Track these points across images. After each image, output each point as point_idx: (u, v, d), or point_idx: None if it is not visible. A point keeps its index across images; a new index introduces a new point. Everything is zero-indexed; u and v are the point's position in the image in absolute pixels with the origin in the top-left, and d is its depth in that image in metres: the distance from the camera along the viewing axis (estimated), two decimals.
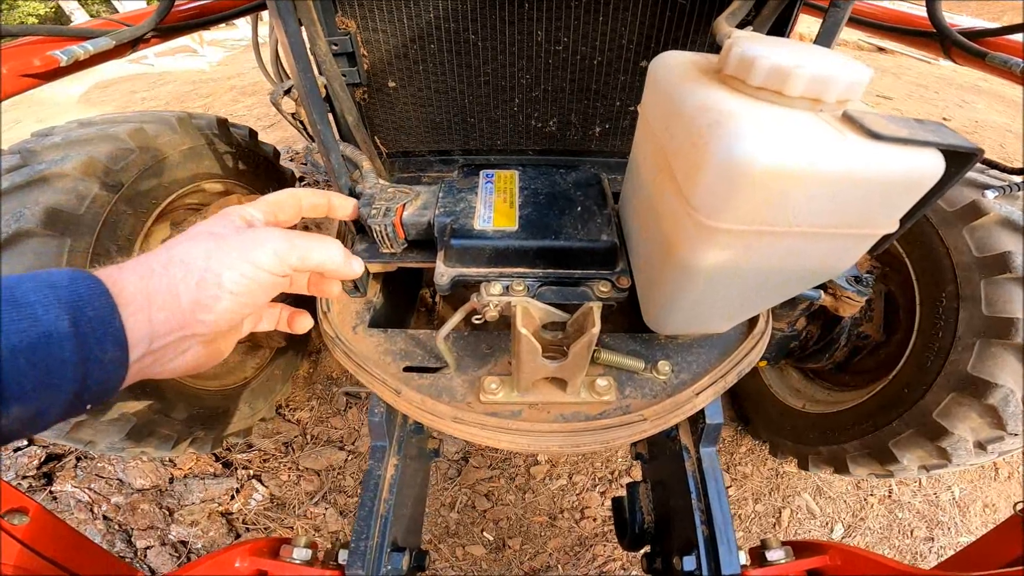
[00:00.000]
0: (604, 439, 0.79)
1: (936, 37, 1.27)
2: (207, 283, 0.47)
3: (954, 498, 1.85)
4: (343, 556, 0.88)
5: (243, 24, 7.05)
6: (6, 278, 0.38)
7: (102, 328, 0.41)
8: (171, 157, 1.43)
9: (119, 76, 5.35)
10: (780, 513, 1.79)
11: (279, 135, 3.90)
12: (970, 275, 1.21)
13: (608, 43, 1.11)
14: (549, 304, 0.72)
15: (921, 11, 1.34)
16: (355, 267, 0.61)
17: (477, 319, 0.73)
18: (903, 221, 0.60)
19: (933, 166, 0.52)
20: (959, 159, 0.54)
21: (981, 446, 1.22)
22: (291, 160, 3.27)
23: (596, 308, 0.65)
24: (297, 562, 0.87)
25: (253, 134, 1.78)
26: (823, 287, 1.30)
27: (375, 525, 0.89)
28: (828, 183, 0.52)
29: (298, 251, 0.53)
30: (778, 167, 0.50)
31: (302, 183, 2.30)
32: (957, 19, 1.48)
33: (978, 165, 1.36)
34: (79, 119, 1.46)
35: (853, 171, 0.51)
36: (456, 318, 0.72)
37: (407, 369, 0.86)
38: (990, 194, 1.22)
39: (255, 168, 1.72)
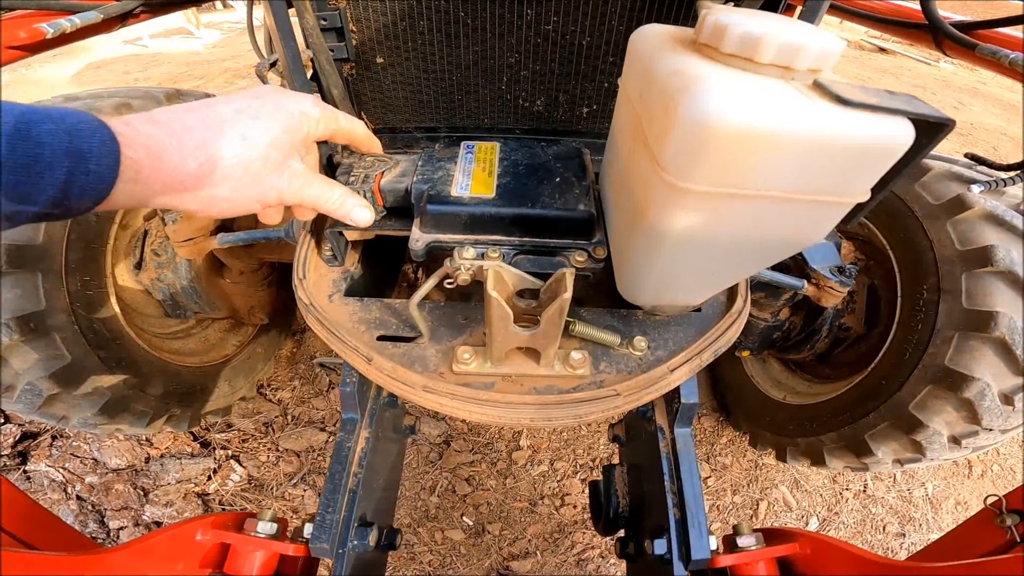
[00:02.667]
0: (577, 413, 0.78)
1: (928, 29, 1.28)
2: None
3: (927, 495, 1.87)
4: (308, 530, 0.86)
5: (240, 7, 6.99)
6: (34, 109, 0.41)
7: (95, 187, 0.44)
8: None
9: (113, 57, 5.28)
10: (758, 505, 1.80)
11: None
12: (952, 268, 1.21)
13: (597, 24, 1.10)
14: (524, 272, 0.71)
15: (915, 4, 1.34)
16: (375, 147, 0.73)
17: (449, 283, 0.72)
18: (875, 191, 0.60)
19: (902, 134, 0.52)
20: (930, 129, 0.54)
21: (956, 440, 1.22)
22: None
23: (569, 274, 0.65)
24: (261, 535, 0.85)
25: None
26: (806, 276, 1.31)
27: (342, 498, 0.88)
28: (795, 147, 0.52)
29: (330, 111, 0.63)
30: (745, 127, 0.50)
31: None
32: (952, 14, 1.48)
33: (966, 161, 1.37)
34: (64, 94, 1.44)
35: (821, 135, 0.51)
36: (429, 283, 0.71)
37: (380, 338, 0.85)
38: (976, 189, 1.22)
39: None
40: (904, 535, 1.77)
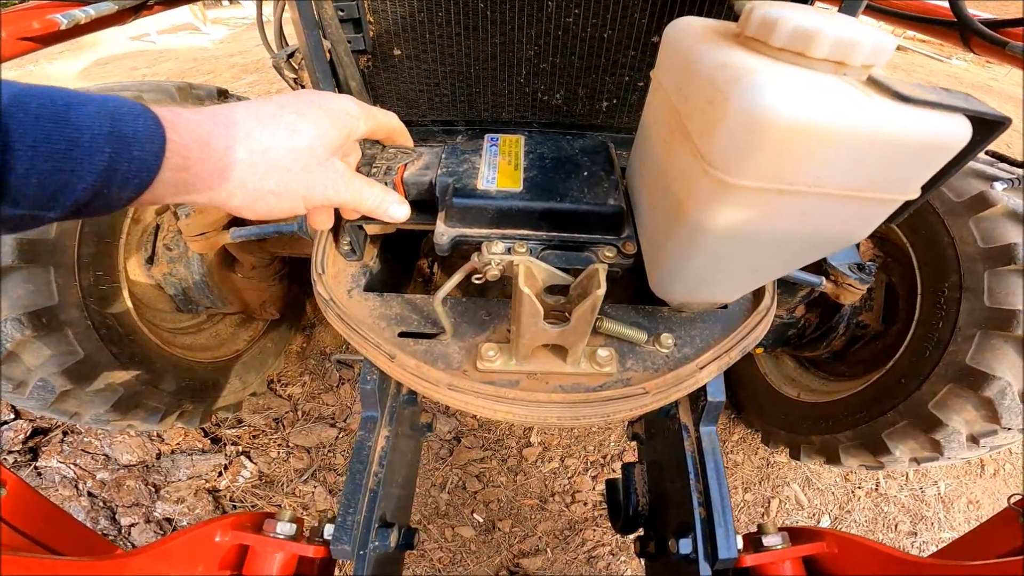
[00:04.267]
0: (604, 412, 0.77)
1: (956, 26, 1.27)
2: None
3: (939, 493, 1.87)
4: (329, 531, 0.85)
5: (246, 3, 6.96)
6: (72, 91, 0.39)
7: (138, 174, 0.41)
8: None
9: (121, 53, 5.26)
10: (769, 503, 1.79)
11: None
12: (974, 266, 1.20)
13: (619, 17, 1.08)
14: (552, 267, 0.70)
15: (941, 1, 1.33)
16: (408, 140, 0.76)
17: (477, 278, 0.71)
18: (925, 189, 0.59)
19: (961, 131, 0.51)
20: (985, 127, 0.53)
21: (974, 439, 1.22)
22: None
23: (602, 270, 0.63)
24: (281, 537, 0.84)
25: None
26: (824, 273, 1.29)
27: (363, 499, 0.87)
28: (852, 142, 0.50)
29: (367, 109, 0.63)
30: (800, 122, 0.48)
31: None
32: (978, 13, 1.47)
33: (986, 158, 1.35)
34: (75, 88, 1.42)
35: (879, 131, 0.50)
36: (456, 278, 0.70)
37: (402, 335, 0.84)
38: (998, 186, 1.21)
39: None
40: (916, 534, 1.77)
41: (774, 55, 0.55)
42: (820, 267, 1.32)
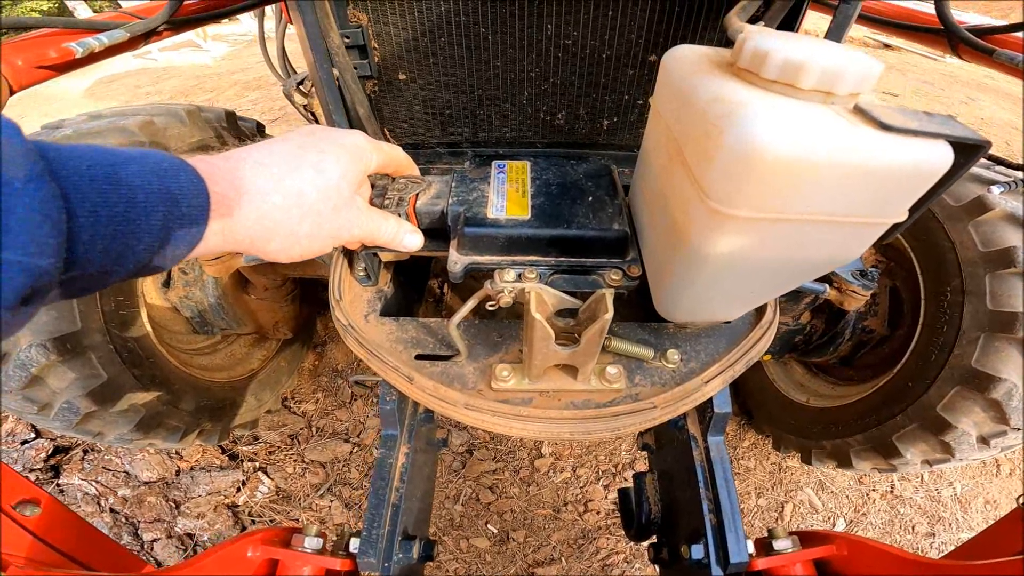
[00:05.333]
0: (615, 426, 0.80)
1: (944, 34, 1.28)
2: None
3: (956, 494, 1.86)
4: (354, 545, 0.88)
5: (246, 19, 7.05)
6: (111, 149, 0.38)
7: (189, 230, 0.42)
8: (180, 149, 1.44)
9: (123, 71, 5.36)
10: (783, 507, 1.80)
11: (283, 129, 3.91)
12: (975, 270, 1.21)
13: (617, 37, 1.12)
14: (561, 292, 0.73)
15: (929, 8, 1.35)
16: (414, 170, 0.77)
17: (491, 306, 0.74)
18: (912, 211, 0.61)
19: (942, 157, 0.53)
20: (967, 151, 0.55)
21: (984, 440, 1.23)
22: None
23: (609, 295, 0.66)
24: (309, 551, 0.87)
25: (260, 127, 1.79)
26: (828, 281, 1.31)
27: (386, 513, 0.90)
28: (840, 172, 0.53)
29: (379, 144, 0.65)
30: (791, 155, 0.51)
31: None
32: (964, 16, 1.48)
33: (984, 161, 1.37)
34: (88, 112, 1.47)
35: (865, 161, 0.52)
36: (469, 305, 0.73)
37: (419, 357, 0.87)
38: (996, 190, 1.23)
39: None
40: (934, 535, 1.77)
41: (765, 86, 0.58)
42: (824, 275, 1.34)
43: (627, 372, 0.84)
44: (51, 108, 4.29)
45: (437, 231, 0.87)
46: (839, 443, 1.47)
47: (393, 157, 0.70)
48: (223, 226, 0.46)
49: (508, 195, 0.84)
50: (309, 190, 0.53)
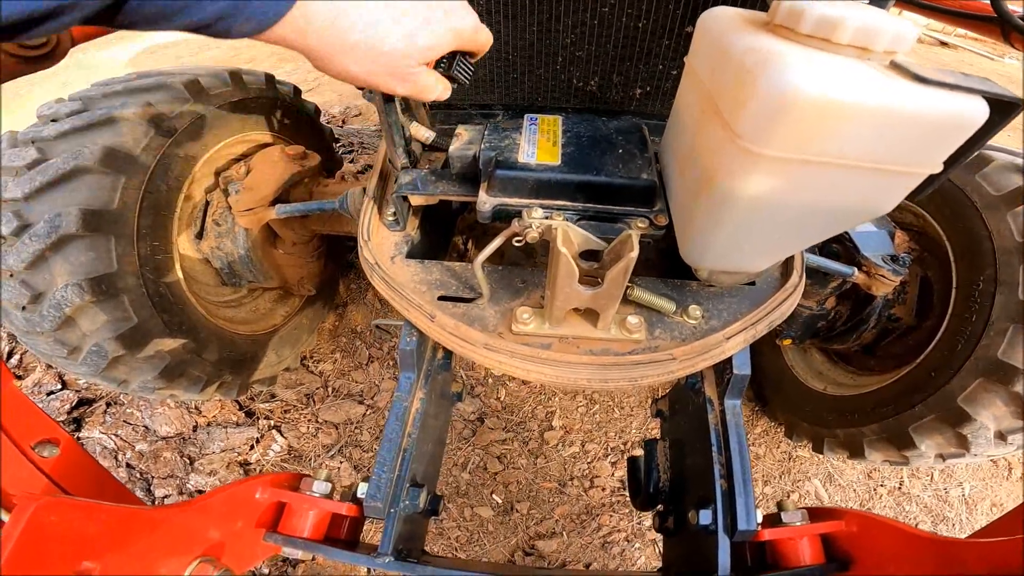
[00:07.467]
0: (633, 376, 0.80)
1: (996, 22, 1.26)
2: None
3: (964, 495, 1.83)
4: (361, 490, 0.89)
5: None
6: None
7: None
8: (222, 108, 1.49)
9: (164, 43, 5.48)
10: (788, 497, 1.79)
11: (318, 99, 3.97)
12: (1010, 259, 1.19)
13: (654, 8, 1.12)
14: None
15: None
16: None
17: (518, 241, 0.76)
18: (948, 164, 0.61)
19: (977, 111, 0.54)
20: (1003, 108, 0.56)
21: (1002, 436, 1.20)
22: (327, 123, 3.33)
23: (635, 234, 0.67)
24: (316, 495, 0.89)
25: (297, 91, 1.83)
26: (857, 264, 1.30)
27: (397, 458, 0.91)
28: (872, 118, 0.54)
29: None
30: (823, 98, 0.52)
31: (337, 144, 2.36)
32: (1016, 7, 1.45)
33: None
34: (138, 72, 1.52)
35: (897, 109, 0.53)
36: (497, 241, 0.74)
37: (441, 298, 0.88)
38: None
39: (297, 123, 1.77)
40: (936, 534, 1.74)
41: (801, 41, 0.59)
42: (852, 258, 1.32)
43: (647, 324, 0.84)
44: (96, 76, 4.40)
45: (468, 177, 0.89)
46: (853, 432, 1.45)
47: (483, 46, 0.70)
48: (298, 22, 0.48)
49: (539, 144, 0.85)
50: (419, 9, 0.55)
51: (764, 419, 1.95)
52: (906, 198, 0.64)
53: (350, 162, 2.90)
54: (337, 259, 2.08)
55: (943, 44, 6.39)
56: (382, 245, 0.97)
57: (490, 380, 2.04)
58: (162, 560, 0.78)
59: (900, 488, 1.84)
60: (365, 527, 1.06)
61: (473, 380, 2.04)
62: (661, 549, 1.31)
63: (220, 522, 0.85)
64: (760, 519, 0.92)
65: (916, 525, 1.77)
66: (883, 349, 1.53)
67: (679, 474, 1.10)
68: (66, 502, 0.71)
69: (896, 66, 0.57)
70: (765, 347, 1.85)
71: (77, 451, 0.87)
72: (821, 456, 1.79)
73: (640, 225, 0.79)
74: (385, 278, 0.88)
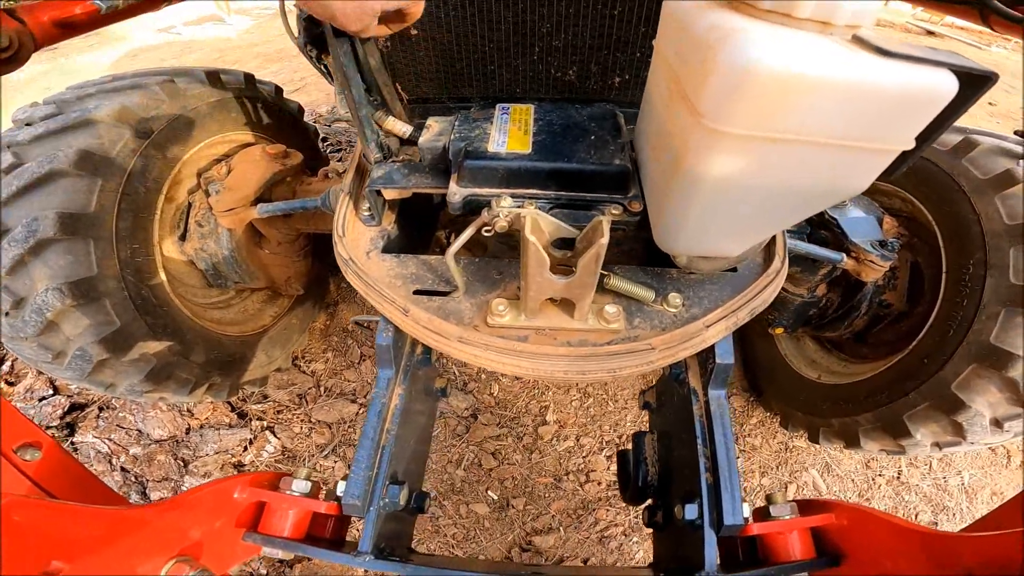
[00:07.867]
0: (611, 367, 0.79)
1: (975, 4, 1.25)
2: None
3: (963, 484, 1.81)
4: (341, 487, 0.88)
5: None
6: None
7: None
8: (200, 108, 1.48)
9: (147, 45, 5.46)
10: (786, 488, 1.77)
11: (304, 99, 3.95)
12: (999, 243, 1.17)
13: None
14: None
15: None
16: None
17: (487, 230, 0.74)
18: (920, 140, 0.60)
19: (945, 84, 0.53)
20: (974, 82, 0.54)
21: (998, 423, 1.19)
22: (314, 122, 3.31)
23: (606, 221, 0.65)
24: (296, 494, 0.87)
25: (279, 90, 1.81)
26: (846, 250, 1.28)
27: (376, 456, 0.89)
28: (834, 93, 0.53)
29: None
30: (783, 72, 0.51)
31: (324, 143, 2.34)
32: None
33: (1015, 138, 1.32)
34: (112, 74, 1.51)
35: (859, 81, 0.52)
36: (467, 232, 0.73)
37: (417, 292, 0.87)
38: None
39: (279, 122, 1.75)
40: (936, 524, 1.72)
41: (763, 17, 0.58)
42: (841, 244, 1.30)
43: (626, 313, 0.83)
44: (77, 80, 4.38)
45: (441, 169, 0.87)
46: (848, 421, 1.43)
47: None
48: None
49: (510, 132, 0.84)
50: None
51: (759, 409, 1.93)
52: (881, 177, 0.62)
53: (338, 160, 2.88)
54: (325, 258, 2.06)
55: (930, 33, 6.38)
56: (357, 240, 0.96)
57: (483, 376, 2.03)
58: (139, 560, 0.77)
59: (899, 478, 1.82)
60: (354, 526, 1.04)
61: (466, 376, 2.03)
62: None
63: (198, 522, 0.84)
64: (750, 512, 0.90)
65: (916, 515, 1.75)
66: (875, 336, 1.51)
67: (667, 467, 1.09)
68: (33, 503, 0.70)
69: (859, 40, 0.55)
70: (758, 336, 1.83)
71: (60, 454, 0.87)
72: (818, 446, 1.77)
73: (614, 212, 0.77)
74: (359, 273, 0.87)
